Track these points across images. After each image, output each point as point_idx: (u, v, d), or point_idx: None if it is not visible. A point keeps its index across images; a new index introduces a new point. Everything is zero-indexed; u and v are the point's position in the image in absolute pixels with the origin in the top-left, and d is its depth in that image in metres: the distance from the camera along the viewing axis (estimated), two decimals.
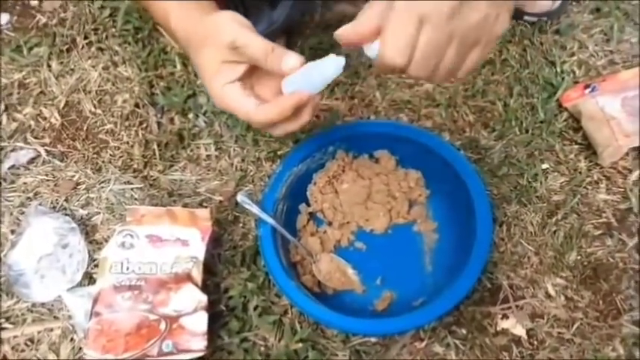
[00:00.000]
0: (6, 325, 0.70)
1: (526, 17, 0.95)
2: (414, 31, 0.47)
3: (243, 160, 0.83)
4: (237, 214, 0.78)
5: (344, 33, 0.51)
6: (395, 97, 0.89)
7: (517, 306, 0.73)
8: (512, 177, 0.82)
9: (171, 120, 0.86)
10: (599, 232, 0.78)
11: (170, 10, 0.61)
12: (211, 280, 0.73)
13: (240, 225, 0.78)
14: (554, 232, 0.78)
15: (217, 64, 0.57)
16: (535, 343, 0.71)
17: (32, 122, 0.85)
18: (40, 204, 0.77)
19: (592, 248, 0.76)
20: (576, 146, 0.84)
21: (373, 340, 0.71)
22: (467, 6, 0.46)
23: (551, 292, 0.74)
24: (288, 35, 0.91)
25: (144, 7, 0.65)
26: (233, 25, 0.56)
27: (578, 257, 0.76)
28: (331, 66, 0.55)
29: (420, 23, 0.46)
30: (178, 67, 0.90)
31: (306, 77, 0.56)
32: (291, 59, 0.54)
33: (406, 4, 0.46)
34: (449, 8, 0.46)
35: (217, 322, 0.69)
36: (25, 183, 0.80)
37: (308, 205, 0.78)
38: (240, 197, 0.73)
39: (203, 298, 0.67)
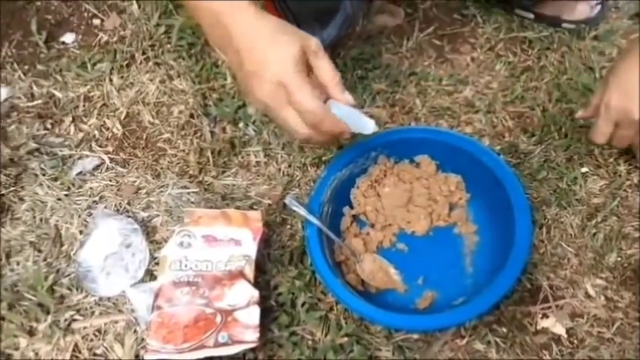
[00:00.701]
0: (76, 316, 0.75)
1: (564, 24, 0.97)
2: (611, 128, 0.73)
3: (289, 166, 0.87)
4: (284, 216, 0.83)
5: (582, 116, 0.80)
6: (435, 104, 0.92)
7: (557, 306, 0.75)
8: (551, 180, 0.84)
9: (224, 129, 0.91)
10: None
11: (224, 9, 0.64)
12: (262, 277, 0.77)
13: (288, 227, 0.82)
14: (594, 234, 0.79)
15: (298, 50, 0.63)
16: (575, 342, 0.72)
17: (96, 132, 0.92)
18: (105, 207, 0.84)
19: (632, 250, 0.77)
20: (616, 150, 0.85)
21: (415, 336, 0.73)
22: None
23: (591, 292, 0.75)
24: (332, 47, 0.96)
25: (186, 7, 0.69)
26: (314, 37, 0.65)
27: (618, 259, 0.77)
28: (368, 126, 0.70)
29: (616, 125, 0.72)
30: (229, 79, 0.95)
31: (349, 115, 0.67)
32: (349, 96, 0.68)
33: (606, 112, 0.71)
34: (635, 119, 0.68)
35: (268, 317, 0.74)
36: (91, 188, 0.86)
37: (351, 207, 0.82)
38: (288, 200, 0.77)
39: (255, 294, 0.72)
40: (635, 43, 0.71)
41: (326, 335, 0.73)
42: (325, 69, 0.65)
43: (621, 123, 0.71)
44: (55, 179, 0.86)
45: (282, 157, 0.88)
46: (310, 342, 0.73)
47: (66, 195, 0.85)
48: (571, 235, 0.79)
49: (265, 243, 0.80)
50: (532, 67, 0.95)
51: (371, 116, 0.72)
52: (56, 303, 0.76)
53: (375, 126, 0.70)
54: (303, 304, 0.75)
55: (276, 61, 0.62)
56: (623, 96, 0.69)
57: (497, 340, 0.73)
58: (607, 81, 0.71)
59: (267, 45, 0.63)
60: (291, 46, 0.63)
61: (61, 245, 0.81)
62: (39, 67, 0.99)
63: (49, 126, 0.92)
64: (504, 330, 0.74)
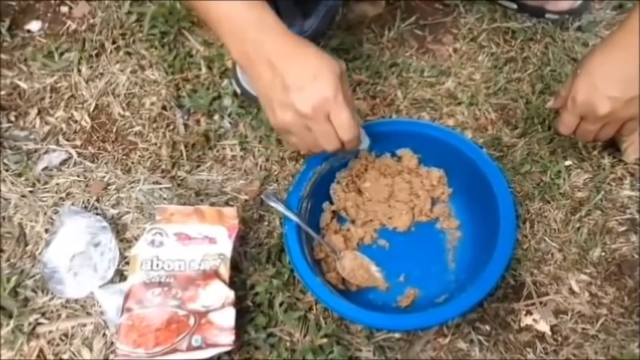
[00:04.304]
0: (42, 320, 0.72)
1: (548, 15, 0.95)
2: (576, 121, 0.71)
3: (267, 160, 0.84)
4: (262, 212, 0.80)
5: (551, 106, 0.81)
6: (416, 96, 0.90)
7: (541, 302, 0.73)
8: (535, 174, 0.82)
9: (198, 121, 0.88)
10: (624, 228, 0.77)
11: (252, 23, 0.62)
12: (238, 276, 0.74)
13: (265, 223, 0.79)
14: (578, 228, 0.78)
15: (343, 68, 0.64)
16: (559, 339, 0.71)
17: (64, 125, 0.88)
18: (72, 204, 0.80)
19: (616, 244, 0.76)
20: (600, 143, 0.83)
21: (397, 335, 0.72)
22: (613, 113, 0.67)
23: (575, 288, 0.74)
24: (312, 39, 0.93)
25: (195, 13, 0.67)
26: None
27: (603, 253, 0.76)
28: (366, 142, 0.73)
29: (581, 118, 0.71)
30: (203, 69, 0.92)
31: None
32: (358, 117, 0.69)
33: (572, 106, 0.70)
34: (600, 115, 0.67)
35: (244, 318, 0.71)
36: (57, 184, 0.82)
37: (331, 203, 0.80)
38: (265, 195, 0.75)
39: (230, 294, 0.69)
40: (607, 37, 0.70)
41: (305, 336, 0.71)
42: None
43: (586, 117, 0.70)
44: (19, 175, 0.83)
45: (259, 150, 0.85)
46: (288, 343, 0.71)
47: (30, 191, 0.81)
48: (555, 229, 0.78)
49: (241, 240, 0.77)
50: (515, 57, 0.93)
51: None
52: (20, 306, 0.72)
53: (369, 141, 0.73)
54: (281, 304, 0.72)
55: (326, 74, 0.61)
56: (590, 91, 0.67)
57: (481, 338, 0.71)
58: (576, 74, 0.70)
59: (314, 59, 0.61)
60: (337, 63, 0.62)
61: (26, 245, 0.78)
62: (2, 56, 0.94)
63: (12, 118, 0.88)
64: (487, 328, 0.72)
